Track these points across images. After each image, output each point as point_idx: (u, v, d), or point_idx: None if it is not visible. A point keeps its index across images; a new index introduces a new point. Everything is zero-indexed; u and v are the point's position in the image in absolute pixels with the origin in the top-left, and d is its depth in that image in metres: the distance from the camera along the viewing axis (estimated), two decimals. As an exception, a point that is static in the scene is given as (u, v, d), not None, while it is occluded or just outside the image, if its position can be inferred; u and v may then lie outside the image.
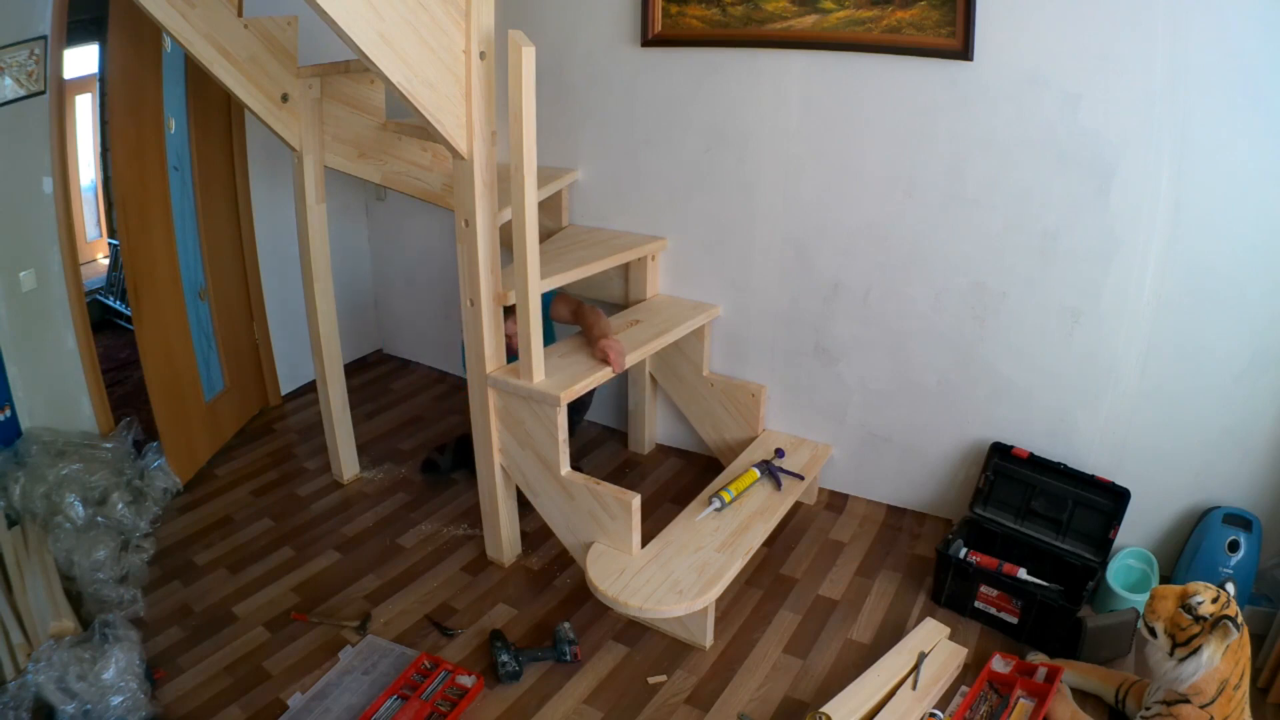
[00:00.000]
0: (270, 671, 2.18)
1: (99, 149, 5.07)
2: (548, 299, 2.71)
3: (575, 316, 2.71)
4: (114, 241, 4.91)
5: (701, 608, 2.17)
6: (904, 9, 2.32)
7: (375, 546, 2.71)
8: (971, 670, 2.19)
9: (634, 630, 2.34)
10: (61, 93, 2.59)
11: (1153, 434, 2.40)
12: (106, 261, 5.09)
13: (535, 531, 2.74)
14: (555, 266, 2.55)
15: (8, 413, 2.62)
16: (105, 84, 4.46)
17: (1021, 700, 2.01)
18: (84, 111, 4.98)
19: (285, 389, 3.73)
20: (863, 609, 2.43)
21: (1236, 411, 2.29)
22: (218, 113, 3.14)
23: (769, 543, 2.65)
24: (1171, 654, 1.77)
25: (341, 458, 3.05)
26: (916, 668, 2.10)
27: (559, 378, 2.34)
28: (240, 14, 2.36)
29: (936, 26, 2.30)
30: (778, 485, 2.64)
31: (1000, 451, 2.56)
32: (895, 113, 2.45)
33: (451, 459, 3.12)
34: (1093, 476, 2.42)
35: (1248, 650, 1.77)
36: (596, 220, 3.09)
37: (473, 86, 2.06)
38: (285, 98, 2.52)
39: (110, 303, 4.69)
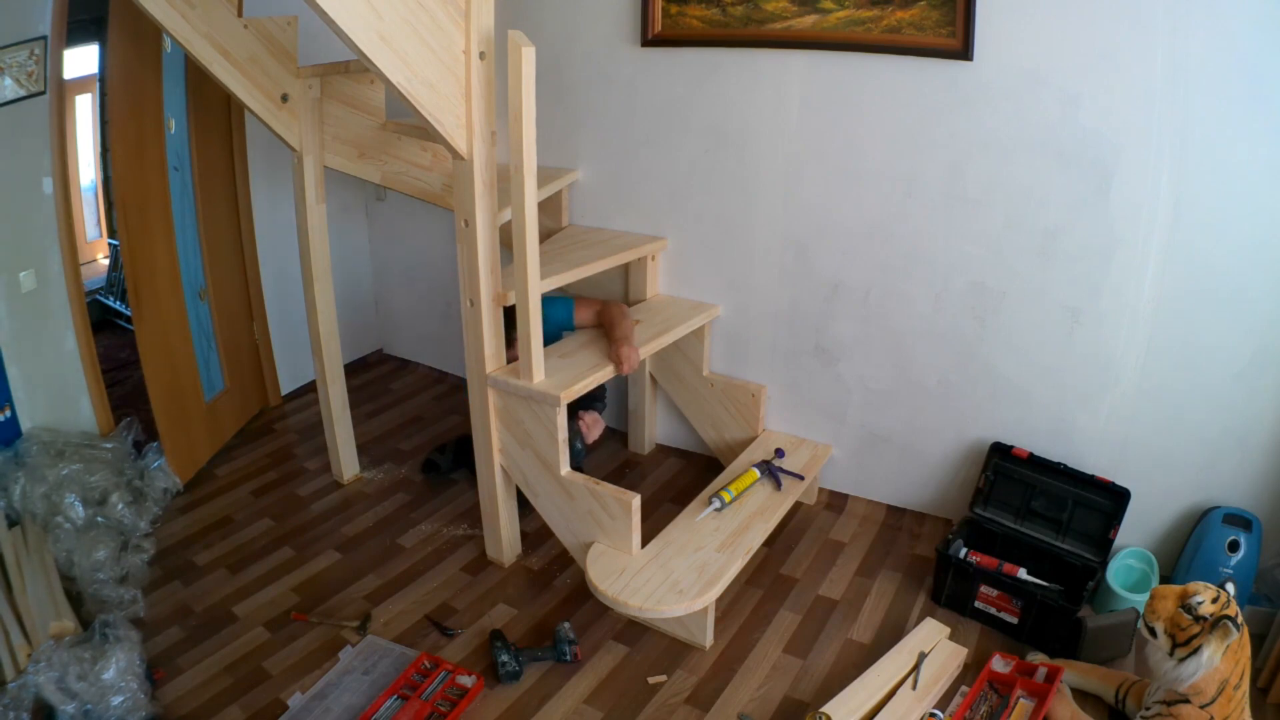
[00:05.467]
0: (270, 671, 2.18)
1: (99, 149, 5.07)
2: (565, 313, 2.72)
3: (600, 318, 2.70)
4: (114, 241, 4.90)
5: (701, 608, 2.17)
6: (904, 9, 2.32)
7: (375, 546, 2.71)
8: (971, 670, 2.19)
9: (634, 630, 2.34)
10: (61, 93, 2.59)
11: (1153, 434, 2.40)
12: (106, 261, 5.09)
13: (535, 531, 2.74)
14: (555, 266, 2.55)
15: (8, 413, 2.62)
16: (105, 84, 4.45)
17: (1021, 700, 2.01)
18: (84, 111, 4.97)
19: (285, 389, 3.73)
20: (863, 609, 2.43)
21: (1236, 411, 2.29)
22: (218, 113, 3.14)
23: (769, 543, 2.65)
24: (1171, 654, 1.77)
25: (341, 458, 3.05)
26: (916, 668, 2.10)
27: (559, 378, 2.34)
28: (240, 14, 2.36)
29: (936, 26, 2.30)
30: (778, 485, 2.64)
31: (1000, 451, 2.56)
32: (895, 113, 2.45)
33: (451, 458, 3.12)
34: (1093, 476, 2.42)
35: (1248, 650, 1.77)
36: (596, 220, 3.09)
37: (472, 87, 2.06)
38: (285, 98, 2.52)
39: (110, 303, 4.69)
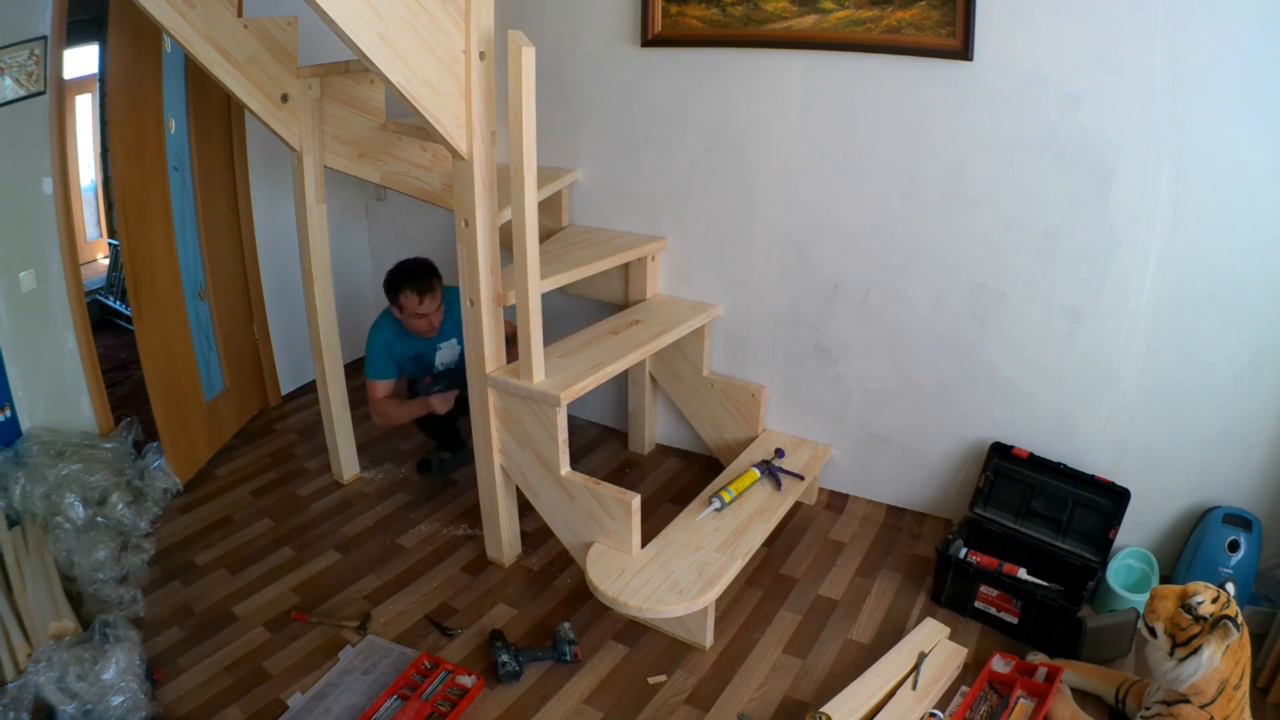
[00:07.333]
0: (270, 671, 2.18)
1: (99, 149, 5.07)
2: None
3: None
4: (114, 241, 4.91)
5: (701, 608, 2.17)
6: (904, 9, 2.32)
7: (375, 546, 2.71)
8: (971, 670, 2.19)
9: (634, 630, 2.34)
10: (61, 93, 2.59)
11: (1153, 434, 2.40)
12: (106, 261, 5.09)
13: (535, 531, 2.74)
14: (555, 266, 2.55)
15: (8, 413, 2.62)
16: (105, 84, 4.46)
17: (1021, 700, 2.01)
18: (84, 111, 4.97)
19: (285, 389, 3.73)
20: (863, 609, 2.43)
21: (1236, 411, 2.29)
22: (218, 113, 3.14)
23: (769, 543, 2.65)
24: (1171, 654, 1.77)
25: (341, 458, 3.05)
26: (916, 668, 2.10)
27: (559, 378, 2.34)
28: (240, 14, 2.36)
29: (936, 26, 2.30)
30: (778, 485, 2.64)
31: (1000, 451, 2.56)
32: (895, 113, 2.45)
33: (435, 444, 3.15)
34: (1093, 476, 2.42)
35: (1248, 650, 1.77)
36: (596, 220, 3.09)
37: (473, 87, 2.06)
38: (285, 98, 2.52)
39: (110, 303, 4.69)
